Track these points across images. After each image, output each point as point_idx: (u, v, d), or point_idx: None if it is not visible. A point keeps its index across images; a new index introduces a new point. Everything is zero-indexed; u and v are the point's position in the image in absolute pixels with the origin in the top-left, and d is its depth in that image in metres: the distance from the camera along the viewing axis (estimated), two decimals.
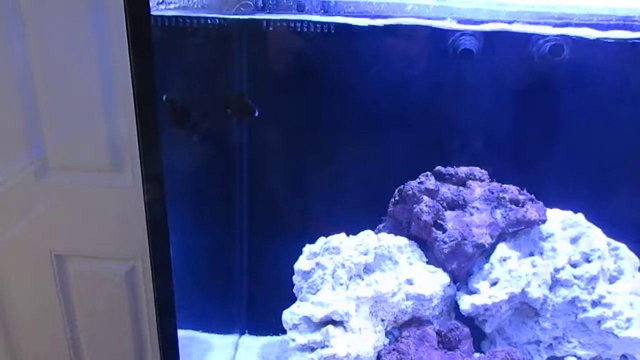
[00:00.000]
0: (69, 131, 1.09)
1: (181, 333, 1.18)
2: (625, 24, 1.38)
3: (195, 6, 1.32)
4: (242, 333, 1.85)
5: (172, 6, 1.23)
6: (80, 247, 1.21)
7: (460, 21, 1.41)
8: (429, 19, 1.41)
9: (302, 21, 1.42)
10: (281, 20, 1.43)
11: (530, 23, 1.41)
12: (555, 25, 1.39)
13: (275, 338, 1.79)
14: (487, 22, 1.41)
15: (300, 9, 1.41)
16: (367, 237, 1.39)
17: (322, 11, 1.42)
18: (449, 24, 1.40)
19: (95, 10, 0.98)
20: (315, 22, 1.43)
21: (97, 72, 1.02)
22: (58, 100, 1.06)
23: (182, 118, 1.39)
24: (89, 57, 1.01)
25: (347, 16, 1.42)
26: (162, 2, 1.19)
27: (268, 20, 1.43)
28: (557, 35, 1.38)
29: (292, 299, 1.35)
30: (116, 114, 1.06)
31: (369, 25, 1.41)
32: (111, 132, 1.08)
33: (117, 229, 1.17)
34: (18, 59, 1.03)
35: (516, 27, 1.40)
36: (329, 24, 1.42)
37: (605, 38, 1.39)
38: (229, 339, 1.78)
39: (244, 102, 1.51)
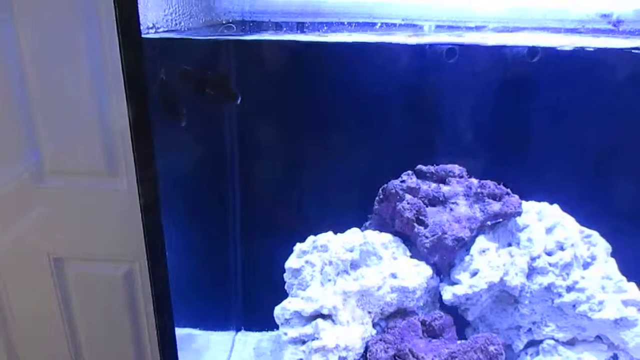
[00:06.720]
0: (64, 136, 1.09)
1: (179, 331, 1.21)
2: None
3: (182, 29, 1.35)
4: (238, 329, 1.89)
5: (161, 30, 1.26)
6: (78, 250, 1.21)
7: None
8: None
9: (284, 40, 1.46)
10: (262, 40, 1.47)
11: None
12: None
13: (270, 333, 1.83)
14: None
15: (278, 29, 1.45)
16: (353, 234, 1.44)
17: (299, 31, 1.46)
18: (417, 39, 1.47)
19: (88, 16, 0.98)
20: (295, 41, 1.47)
21: (90, 75, 1.02)
22: (52, 105, 1.06)
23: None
24: (82, 62, 1.01)
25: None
26: (152, 27, 1.22)
27: (251, 40, 1.47)
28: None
29: (285, 296, 1.39)
30: (110, 118, 1.05)
31: (348, 42, 1.47)
32: (106, 136, 1.07)
33: (114, 232, 1.17)
34: (12, 65, 1.02)
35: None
36: (309, 43, 1.47)
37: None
38: (226, 336, 1.82)
39: (227, 85, 1.44)
